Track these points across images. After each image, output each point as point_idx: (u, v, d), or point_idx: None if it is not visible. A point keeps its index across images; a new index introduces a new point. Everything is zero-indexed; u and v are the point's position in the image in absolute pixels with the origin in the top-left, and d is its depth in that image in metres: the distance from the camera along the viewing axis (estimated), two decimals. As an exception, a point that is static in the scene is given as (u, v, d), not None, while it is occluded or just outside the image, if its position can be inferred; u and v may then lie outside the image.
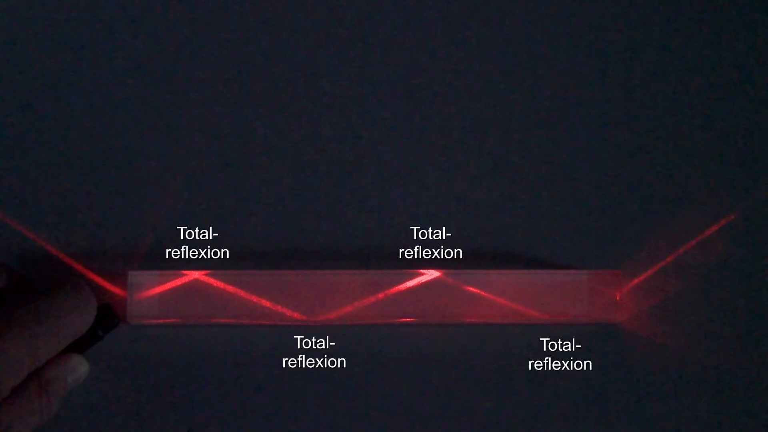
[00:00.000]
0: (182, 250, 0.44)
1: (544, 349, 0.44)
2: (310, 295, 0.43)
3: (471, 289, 0.43)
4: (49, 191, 0.44)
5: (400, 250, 0.44)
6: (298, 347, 0.43)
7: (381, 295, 0.43)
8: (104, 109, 0.45)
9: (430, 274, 0.43)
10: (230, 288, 0.43)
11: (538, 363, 0.44)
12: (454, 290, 0.43)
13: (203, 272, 0.43)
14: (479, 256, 0.44)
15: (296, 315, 0.43)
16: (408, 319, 0.43)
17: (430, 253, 0.44)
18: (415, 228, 0.44)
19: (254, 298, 0.42)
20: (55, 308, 0.39)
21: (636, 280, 0.44)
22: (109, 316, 0.42)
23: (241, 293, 0.43)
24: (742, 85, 0.46)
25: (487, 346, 0.44)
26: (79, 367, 0.41)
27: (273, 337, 0.43)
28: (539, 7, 0.46)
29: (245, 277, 0.43)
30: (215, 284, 0.43)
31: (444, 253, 0.44)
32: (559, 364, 0.44)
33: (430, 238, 0.44)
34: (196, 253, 0.44)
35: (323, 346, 0.44)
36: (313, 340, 0.43)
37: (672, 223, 0.45)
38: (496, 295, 0.43)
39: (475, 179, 0.45)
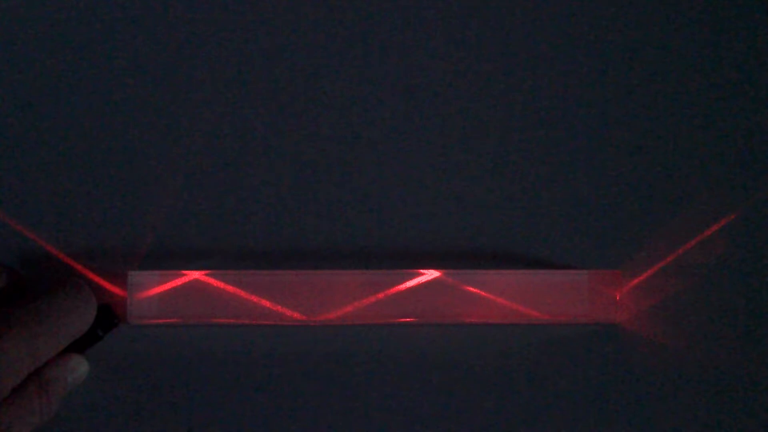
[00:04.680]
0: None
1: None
2: (310, 295, 0.43)
3: (471, 289, 0.43)
4: (49, 191, 0.44)
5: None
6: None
7: (381, 295, 0.43)
8: (104, 109, 0.45)
9: (430, 274, 0.43)
10: (230, 288, 0.43)
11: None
12: (454, 290, 0.43)
13: (203, 272, 0.43)
14: (479, 256, 0.44)
15: (296, 315, 0.43)
16: (408, 319, 0.43)
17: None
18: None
19: (254, 298, 0.42)
20: (55, 308, 0.39)
21: (636, 280, 0.44)
22: (109, 316, 0.42)
23: (241, 293, 0.43)
24: (742, 85, 0.46)
25: (487, 346, 0.44)
26: (79, 367, 0.41)
27: (273, 337, 0.43)
28: (539, 7, 0.46)
29: (245, 277, 0.43)
30: (215, 284, 0.43)
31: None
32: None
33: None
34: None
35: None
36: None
37: (672, 223, 0.45)
38: (496, 295, 0.43)
39: (475, 179, 0.45)
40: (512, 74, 0.45)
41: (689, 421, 0.44)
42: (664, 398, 0.44)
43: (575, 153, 0.45)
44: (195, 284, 0.43)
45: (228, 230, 0.44)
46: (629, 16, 0.46)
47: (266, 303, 0.43)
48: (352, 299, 0.43)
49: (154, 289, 0.42)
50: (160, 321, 0.42)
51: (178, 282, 0.42)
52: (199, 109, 0.45)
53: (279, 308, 0.43)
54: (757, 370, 0.44)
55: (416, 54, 0.45)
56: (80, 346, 0.41)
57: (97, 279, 0.43)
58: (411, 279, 0.43)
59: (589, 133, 0.45)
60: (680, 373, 0.44)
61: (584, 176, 0.45)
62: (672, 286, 0.44)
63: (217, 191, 0.44)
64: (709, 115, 0.45)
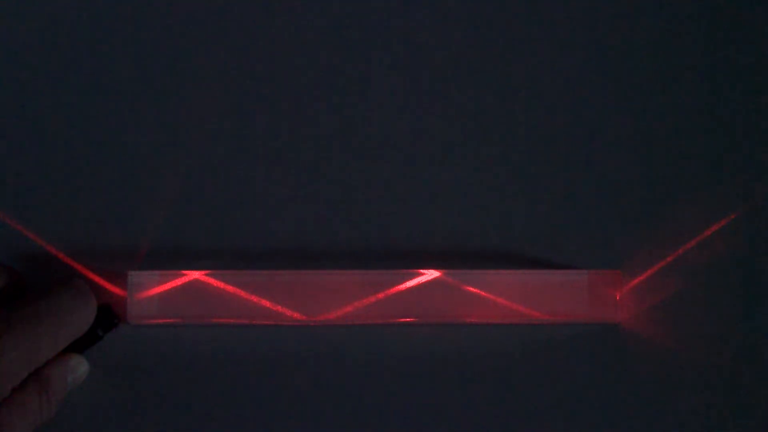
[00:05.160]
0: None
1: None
2: (310, 295, 0.43)
3: (471, 289, 0.43)
4: (49, 191, 0.44)
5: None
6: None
7: (381, 295, 0.43)
8: (104, 109, 0.45)
9: (430, 274, 0.43)
10: (230, 288, 0.43)
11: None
12: (454, 290, 0.43)
13: (203, 272, 0.43)
14: (479, 256, 0.44)
15: (296, 315, 0.43)
16: (408, 319, 0.43)
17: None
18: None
19: (254, 298, 0.42)
20: (55, 308, 0.39)
21: (636, 280, 0.44)
22: (109, 316, 0.42)
23: (241, 293, 0.43)
24: (742, 85, 0.46)
25: (487, 346, 0.44)
26: (79, 366, 0.41)
27: (273, 337, 0.43)
28: (540, 6, 0.46)
29: (245, 277, 0.43)
30: (215, 284, 0.43)
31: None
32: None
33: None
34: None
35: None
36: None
37: (672, 223, 0.45)
38: (496, 295, 0.43)
39: (475, 179, 0.45)
40: (512, 74, 0.45)
41: (689, 421, 0.44)
42: (664, 398, 0.44)
43: (575, 153, 0.45)
44: (195, 284, 0.43)
45: (228, 230, 0.44)
46: (630, 15, 0.46)
47: (266, 303, 0.43)
48: (352, 299, 0.43)
49: (154, 289, 0.42)
50: (160, 321, 0.42)
51: (178, 282, 0.42)
52: (198, 109, 0.45)
53: (279, 308, 0.43)
54: (757, 370, 0.44)
55: (417, 54, 0.45)
56: (80, 346, 0.41)
57: (97, 279, 0.43)
58: (411, 279, 0.43)
59: (589, 133, 0.45)
60: (680, 373, 0.44)
61: (584, 176, 0.45)
62: (672, 286, 0.44)
63: (217, 191, 0.44)
64: (709, 115, 0.45)
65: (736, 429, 0.44)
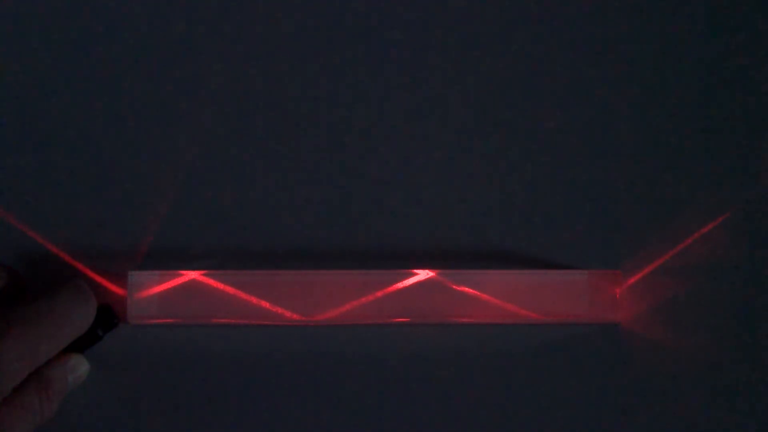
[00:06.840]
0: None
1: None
2: (309, 295, 0.43)
3: (469, 290, 0.43)
4: (49, 191, 0.44)
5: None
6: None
7: (380, 295, 0.43)
8: (104, 109, 0.45)
9: (429, 274, 0.43)
10: (230, 288, 0.43)
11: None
12: (453, 290, 0.43)
13: (203, 272, 0.43)
14: (478, 256, 0.44)
15: (296, 315, 0.43)
16: (407, 319, 0.43)
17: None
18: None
19: (254, 299, 0.43)
20: (55, 308, 0.39)
21: (636, 280, 0.44)
22: (109, 316, 0.42)
23: (241, 293, 0.43)
24: (742, 85, 0.46)
25: (486, 346, 0.44)
26: (80, 366, 0.41)
27: (273, 337, 0.43)
28: (540, 6, 0.46)
29: (245, 277, 0.43)
30: (215, 284, 0.43)
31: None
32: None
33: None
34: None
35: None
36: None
37: (672, 223, 0.45)
38: (495, 296, 0.43)
39: (474, 179, 0.45)
40: (513, 74, 0.45)
41: (689, 421, 0.44)
42: (664, 398, 0.44)
43: (575, 153, 0.45)
44: (194, 284, 0.43)
45: (228, 230, 0.44)
46: (630, 15, 0.46)
47: (266, 303, 0.43)
48: (351, 299, 0.43)
49: (154, 289, 0.42)
50: (160, 321, 0.43)
51: (177, 282, 0.43)
52: (198, 109, 0.45)
53: (278, 308, 0.43)
54: (757, 370, 0.44)
55: (416, 53, 0.45)
56: (80, 346, 0.41)
57: (97, 279, 0.43)
58: (410, 279, 0.43)
59: (589, 133, 0.45)
60: (680, 373, 0.44)
61: (584, 176, 0.45)
62: (672, 285, 0.44)
63: (217, 191, 0.44)
64: (709, 115, 0.45)
65: (736, 429, 0.44)
